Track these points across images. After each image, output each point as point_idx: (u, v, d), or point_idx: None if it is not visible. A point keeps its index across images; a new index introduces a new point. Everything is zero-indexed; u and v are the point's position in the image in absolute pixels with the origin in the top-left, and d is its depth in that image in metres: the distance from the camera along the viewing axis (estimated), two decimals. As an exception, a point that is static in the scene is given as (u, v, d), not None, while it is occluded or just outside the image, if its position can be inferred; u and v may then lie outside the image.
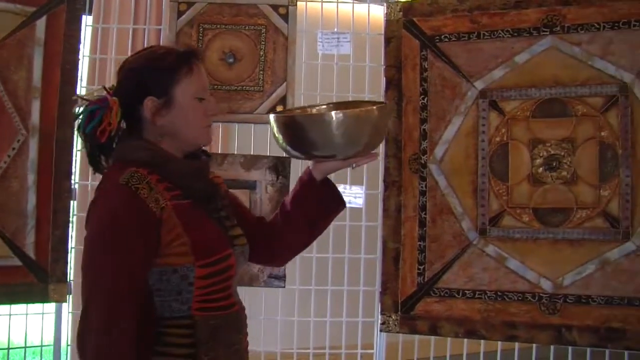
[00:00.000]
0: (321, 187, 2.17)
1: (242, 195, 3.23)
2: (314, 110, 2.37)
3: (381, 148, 3.09)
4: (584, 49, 2.87)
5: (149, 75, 1.90)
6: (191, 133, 1.93)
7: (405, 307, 3.03)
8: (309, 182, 2.16)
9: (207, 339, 1.85)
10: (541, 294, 2.87)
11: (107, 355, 1.73)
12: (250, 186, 3.27)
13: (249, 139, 3.35)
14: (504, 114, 2.94)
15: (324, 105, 2.42)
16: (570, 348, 3.04)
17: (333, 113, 2.04)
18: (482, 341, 3.18)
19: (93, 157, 1.95)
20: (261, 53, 3.30)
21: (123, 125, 1.95)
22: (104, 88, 1.96)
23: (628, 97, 2.80)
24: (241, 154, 3.29)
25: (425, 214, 3.01)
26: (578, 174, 2.85)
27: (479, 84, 2.97)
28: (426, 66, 3.04)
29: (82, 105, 1.92)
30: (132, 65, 1.94)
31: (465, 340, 3.19)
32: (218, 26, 3.32)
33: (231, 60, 3.31)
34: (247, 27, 3.32)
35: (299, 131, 2.05)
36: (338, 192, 2.24)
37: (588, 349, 2.99)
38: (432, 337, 3.22)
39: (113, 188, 1.81)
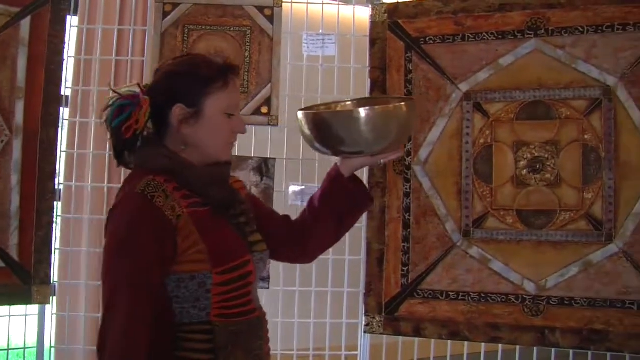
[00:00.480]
0: (349, 183, 2.17)
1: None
2: (339, 108, 2.38)
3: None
4: (567, 52, 2.88)
5: (182, 82, 1.90)
6: (213, 148, 1.93)
7: (389, 309, 3.04)
8: (337, 179, 2.16)
9: (226, 344, 1.85)
10: (524, 296, 2.88)
11: (123, 357, 1.74)
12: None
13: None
14: (488, 116, 2.94)
15: (348, 102, 2.46)
16: (553, 350, 3.05)
17: (362, 109, 2.06)
18: (466, 343, 3.19)
19: (117, 151, 1.94)
20: (246, 54, 3.30)
21: (150, 126, 1.94)
22: (138, 85, 1.94)
23: (611, 100, 2.81)
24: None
25: (409, 215, 3.01)
26: (561, 177, 2.86)
27: (464, 86, 2.98)
28: (411, 68, 3.05)
29: (113, 98, 1.92)
30: (169, 69, 1.94)
31: (449, 341, 3.20)
32: (203, 27, 3.32)
33: (217, 61, 3.31)
34: (232, 29, 3.31)
35: (327, 128, 2.07)
36: (365, 188, 2.26)
37: (571, 351, 3.00)
38: (416, 339, 3.23)
39: (130, 196, 1.81)
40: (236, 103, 1.95)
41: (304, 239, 2.22)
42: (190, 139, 1.90)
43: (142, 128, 1.90)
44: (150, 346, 1.78)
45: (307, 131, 2.11)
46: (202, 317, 1.83)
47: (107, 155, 3.50)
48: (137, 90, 1.92)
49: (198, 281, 1.82)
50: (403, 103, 2.15)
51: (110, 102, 1.92)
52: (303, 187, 3.24)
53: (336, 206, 2.17)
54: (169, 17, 3.33)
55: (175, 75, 1.91)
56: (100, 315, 1.79)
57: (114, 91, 1.93)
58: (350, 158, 2.15)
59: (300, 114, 2.12)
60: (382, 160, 2.16)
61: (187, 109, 1.87)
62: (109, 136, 1.95)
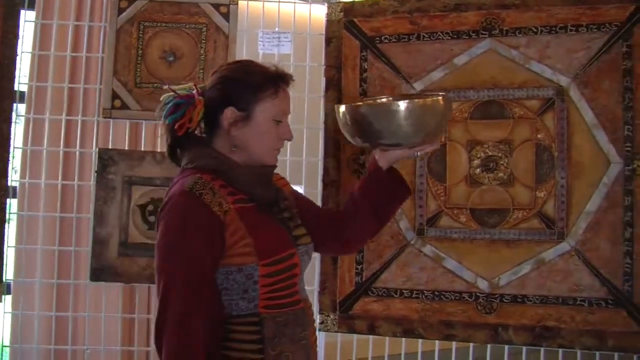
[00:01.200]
0: (387, 175, 2.29)
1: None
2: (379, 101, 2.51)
3: (320, 148, 3.10)
4: (521, 52, 2.90)
5: (236, 86, 2.01)
6: (260, 152, 2.04)
7: (343, 307, 3.04)
8: (375, 171, 2.29)
9: (273, 334, 1.95)
10: (478, 294, 2.90)
11: (180, 351, 1.83)
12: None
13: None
14: (443, 115, 2.96)
15: (384, 98, 2.58)
16: (506, 347, 3.08)
17: (402, 102, 2.17)
18: (420, 340, 3.21)
19: (170, 148, 2.07)
20: (201, 52, 3.30)
21: (202, 127, 2.07)
22: (195, 86, 2.06)
23: (564, 100, 2.84)
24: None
25: (363, 214, 3.01)
26: (515, 175, 2.89)
27: (418, 85, 2.99)
28: (366, 67, 3.05)
29: (170, 97, 2.03)
30: (224, 73, 2.05)
31: (404, 339, 3.21)
32: (159, 24, 3.30)
33: (171, 58, 3.30)
34: (187, 26, 3.31)
35: (368, 120, 2.18)
36: (403, 179, 2.37)
37: (524, 348, 3.03)
38: (371, 337, 3.24)
39: (179, 194, 1.92)
40: (285, 110, 2.07)
41: (344, 231, 2.34)
42: (239, 141, 2.02)
43: (194, 127, 2.02)
44: (205, 337, 1.88)
45: (348, 124, 2.24)
46: (251, 308, 1.94)
47: (61, 152, 3.48)
48: (193, 90, 2.04)
49: (245, 273, 1.92)
50: (440, 97, 2.24)
51: (167, 100, 2.04)
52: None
53: (374, 198, 2.29)
54: (124, 13, 3.32)
55: (229, 79, 2.03)
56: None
57: (172, 90, 2.05)
58: (387, 150, 2.25)
59: (342, 108, 2.25)
60: (418, 153, 2.27)
61: (237, 112, 1.99)
62: (161, 132, 2.08)
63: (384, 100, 2.55)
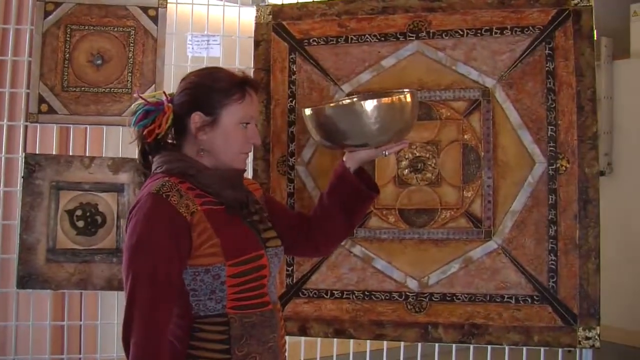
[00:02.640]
0: (354, 177, 2.33)
1: (109, 198, 3.19)
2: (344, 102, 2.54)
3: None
4: (448, 54, 2.94)
5: (203, 92, 2.07)
6: (228, 155, 2.09)
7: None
8: (343, 173, 2.33)
9: (241, 335, 1.99)
10: (407, 293, 2.92)
11: (146, 344, 1.86)
12: (118, 189, 3.23)
13: (117, 142, 3.31)
14: (371, 117, 2.98)
15: (347, 99, 2.63)
16: (437, 345, 3.11)
17: (366, 102, 2.18)
18: (352, 341, 3.22)
19: (141, 154, 2.14)
20: (130, 55, 3.27)
21: (172, 133, 2.14)
22: (164, 93, 2.12)
23: (490, 101, 2.89)
24: (109, 157, 3.25)
25: (293, 215, 3.02)
26: (442, 176, 2.92)
27: (346, 87, 3.01)
28: (294, 69, 3.06)
29: (140, 104, 2.09)
30: (192, 79, 2.12)
31: (335, 340, 3.23)
32: (86, 27, 3.27)
33: (99, 62, 3.26)
34: (115, 29, 3.27)
35: (333, 122, 2.21)
36: (372, 179, 2.44)
37: (453, 345, 3.07)
38: (302, 339, 3.25)
39: (146, 197, 1.97)
40: (251, 114, 2.12)
41: (315, 234, 2.38)
42: (206, 145, 2.07)
43: (163, 132, 2.08)
44: (168, 339, 1.94)
45: (312, 128, 2.28)
46: (218, 309, 1.98)
47: (2, 158, 3.41)
48: (163, 97, 2.11)
49: (212, 274, 1.97)
50: (407, 93, 2.26)
51: (137, 108, 2.10)
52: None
53: (343, 200, 2.34)
54: (51, 16, 3.27)
55: (196, 85, 2.09)
56: None
57: (141, 97, 2.11)
58: (355, 151, 2.30)
59: (307, 111, 2.29)
60: (386, 152, 2.33)
61: (204, 117, 2.05)
62: (132, 139, 2.14)
63: (348, 101, 2.59)
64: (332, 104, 2.53)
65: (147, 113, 2.09)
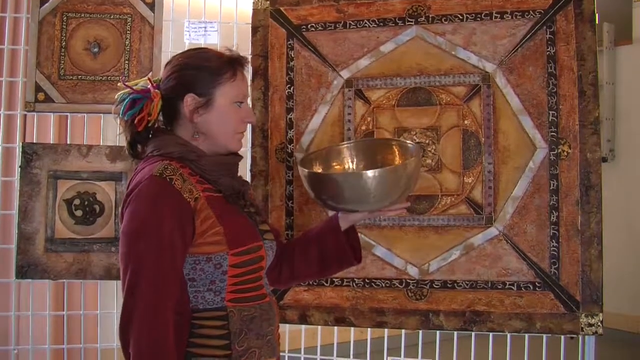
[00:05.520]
0: (344, 237, 2.32)
1: (107, 186, 3.17)
2: (346, 164, 2.53)
3: (248, 138, 3.08)
4: (447, 39, 2.92)
5: (194, 73, 2.01)
6: (223, 136, 2.04)
7: (274, 297, 3.02)
8: (334, 229, 2.32)
9: (240, 329, 1.94)
10: (408, 280, 2.91)
11: (151, 344, 1.79)
12: (116, 178, 3.21)
13: (115, 130, 3.29)
14: (370, 102, 2.96)
15: (344, 144, 2.62)
16: (437, 332, 3.10)
17: (370, 172, 2.14)
18: (352, 329, 3.21)
19: (130, 145, 2.07)
20: (127, 42, 3.25)
21: (161, 119, 2.07)
22: (149, 80, 2.06)
23: (490, 86, 2.86)
24: (106, 145, 3.23)
25: (292, 203, 3.00)
26: (442, 162, 2.90)
27: (345, 73, 2.98)
28: (292, 55, 3.04)
29: (125, 93, 2.03)
30: (179, 62, 2.06)
31: (336, 329, 3.21)
32: (82, 15, 3.24)
33: (96, 49, 3.24)
34: (112, 16, 3.25)
35: (331, 186, 2.19)
36: (358, 246, 2.40)
37: (455, 333, 3.05)
38: (303, 327, 3.24)
39: (148, 180, 1.88)
40: (244, 92, 2.08)
41: (284, 264, 2.34)
42: (201, 127, 2.02)
43: (154, 120, 2.03)
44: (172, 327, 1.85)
45: (308, 186, 2.26)
46: (217, 302, 1.93)
47: (0, 147, 3.40)
48: (148, 84, 2.05)
49: (214, 262, 1.91)
50: (412, 159, 2.23)
51: (123, 97, 2.03)
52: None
53: (325, 254, 2.31)
54: (47, 4, 3.25)
55: (185, 67, 2.03)
56: None
57: (127, 85, 2.05)
58: (351, 213, 2.29)
59: (304, 172, 2.27)
60: (381, 217, 2.37)
61: (198, 99, 1.99)
62: (120, 130, 2.08)
63: (351, 169, 2.57)
64: (333, 171, 2.53)
65: (135, 101, 2.03)
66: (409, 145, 2.50)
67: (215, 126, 2.03)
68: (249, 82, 3.06)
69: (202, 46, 2.21)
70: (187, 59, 2.06)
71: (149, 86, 2.05)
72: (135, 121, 2.02)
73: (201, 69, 2.02)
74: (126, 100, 2.03)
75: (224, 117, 2.03)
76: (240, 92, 2.06)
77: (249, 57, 3.03)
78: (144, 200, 1.87)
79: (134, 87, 2.05)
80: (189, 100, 2.00)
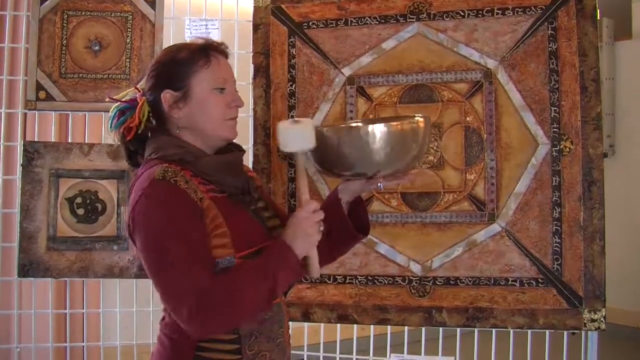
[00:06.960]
0: (343, 211, 2.17)
1: (109, 185, 3.17)
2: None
3: (249, 135, 3.08)
4: (449, 35, 2.92)
5: (165, 68, 1.97)
6: (210, 126, 1.96)
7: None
8: (334, 200, 2.18)
9: (250, 333, 1.89)
10: (411, 277, 2.91)
11: (209, 308, 1.74)
12: (118, 176, 3.21)
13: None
14: (372, 100, 2.95)
15: (352, 122, 2.39)
16: (441, 329, 3.10)
17: (375, 126, 1.96)
18: (355, 326, 3.21)
19: (127, 154, 2.04)
20: (128, 40, 3.24)
21: (153, 122, 2.02)
22: (136, 88, 2.04)
23: (492, 82, 2.86)
24: (108, 144, 3.23)
25: (294, 200, 3.00)
26: (445, 159, 2.90)
27: (347, 71, 2.98)
28: (294, 53, 3.03)
29: (114, 107, 2.02)
30: (153, 62, 2.03)
31: (339, 326, 3.21)
32: (83, 13, 3.24)
33: (97, 48, 3.24)
34: (113, 14, 3.25)
35: (332, 145, 1.99)
36: (366, 216, 2.25)
37: (458, 329, 3.05)
38: (305, 324, 3.24)
39: (150, 186, 1.82)
40: (224, 77, 1.98)
41: None
42: (184, 121, 1.96)
43: (140, 125, 1.98)
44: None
45: (311, 158, 2.06)
46: None
47: (1, 146, 3.40)
48: (136, 93, 2.02)
49: (221, 267, 1.83)
50: (421, 119, 2.06)
51: (112, 110, 2.02)
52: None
53: (328, 227, 2.06)
54: (47, 2, 3.24)
55: (159, 65, 1.99)
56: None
57: (113, 99, 2.03)
58: (349, 180, 2.15)
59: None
60: (382, 185, 2.13)
61: (174, 93, 1.94)
62: (115, 144, 2.10)
63: (352, 124, 2.36)
64: (332, 125, 2.38)
65: (122, 112, 2.01)
66: (420, 117, 2.36)
67: (199, 117, 1.95)
68: (251, 80, 3.08)
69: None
70: (160, 57, 2.03)
71: (137, 95, 2.02)
72: (123, 131, 2.00)
73: (172, 63, 1.96)
74: (114, 113, 2.02)
75: (205, 106, 1.95)
76: (218, 77, 1.97)
77: (250, 55, 3.04)
78: (152, 207, 1.82)
79: (122, 99, 2.03)
80: (167, 96, 1.94)
